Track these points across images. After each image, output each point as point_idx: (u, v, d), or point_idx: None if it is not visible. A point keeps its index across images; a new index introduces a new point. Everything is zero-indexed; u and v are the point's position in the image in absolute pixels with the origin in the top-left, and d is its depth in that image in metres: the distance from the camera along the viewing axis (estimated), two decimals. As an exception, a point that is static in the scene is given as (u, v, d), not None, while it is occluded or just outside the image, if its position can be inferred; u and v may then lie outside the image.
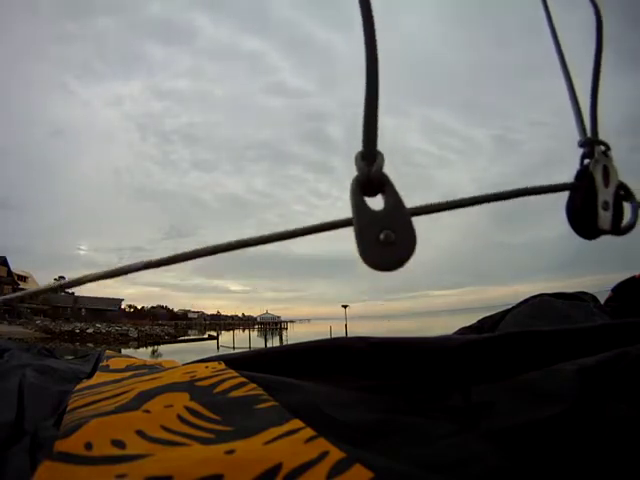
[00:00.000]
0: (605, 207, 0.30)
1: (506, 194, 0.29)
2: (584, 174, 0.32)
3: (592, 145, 0.33)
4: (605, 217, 0.30)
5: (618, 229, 0.31)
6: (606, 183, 0.31)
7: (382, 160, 0.25)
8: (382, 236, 0.22)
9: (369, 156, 0.25)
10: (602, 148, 0.33)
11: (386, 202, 0.24)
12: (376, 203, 0.24)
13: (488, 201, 0.28)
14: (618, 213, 0.31)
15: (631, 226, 0.31)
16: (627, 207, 0.33)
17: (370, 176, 0.24)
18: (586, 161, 0.33)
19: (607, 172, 0.32)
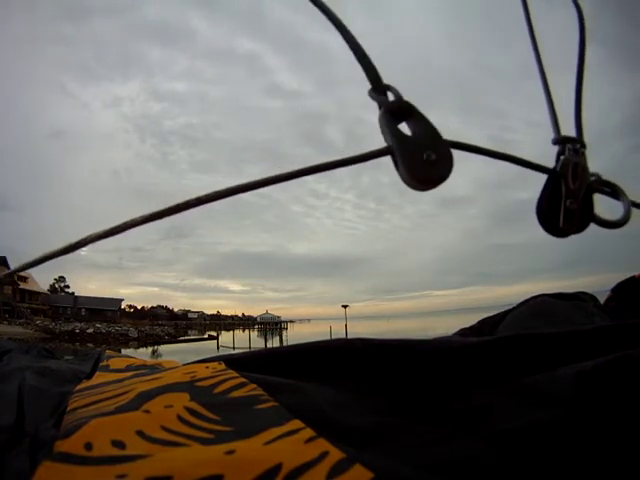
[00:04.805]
0: (571, 207, 0.30)
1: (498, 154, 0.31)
2: (553, 173, 0.31)
3: (564, 143, 0.32)
4: (569, 217, 0.30)
5: (583, 229, 0.30)
6: (574, 182, 0.31)
7: (397, 90, 0.28)
8: (425, 156, 0.25)
9: (383, 89, 0.27)
10: (577, 146, 0.32)
11: (417, 127, 0.26)
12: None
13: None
14: (586, 213, 0.31)
15: (624, 222, 0.31)
16: (617, 203, 0.32)
17: (400, 105, 0.27)
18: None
19: (577, 171, 0.31)
